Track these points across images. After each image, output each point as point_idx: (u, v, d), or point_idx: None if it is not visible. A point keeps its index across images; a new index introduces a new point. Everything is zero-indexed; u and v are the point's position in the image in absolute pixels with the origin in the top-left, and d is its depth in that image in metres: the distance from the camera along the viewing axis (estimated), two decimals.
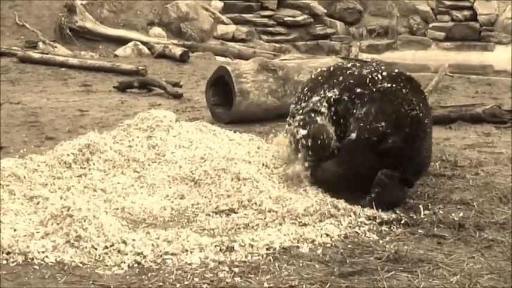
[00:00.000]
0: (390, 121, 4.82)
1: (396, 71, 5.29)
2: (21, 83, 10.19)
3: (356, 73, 5.24)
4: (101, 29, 14.75)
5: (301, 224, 4.42)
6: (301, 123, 5.11)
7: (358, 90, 5.07)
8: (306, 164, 5.03)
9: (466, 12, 17.25)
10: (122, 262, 3.93)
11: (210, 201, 4.85)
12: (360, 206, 4.67)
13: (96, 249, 4.03)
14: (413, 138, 4.84)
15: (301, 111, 5.23)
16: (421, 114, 4.92)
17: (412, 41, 17.13)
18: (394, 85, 5.04)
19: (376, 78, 5.11)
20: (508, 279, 3.74)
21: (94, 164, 5.37)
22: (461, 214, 4.61)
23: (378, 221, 4.51)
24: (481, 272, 3.82)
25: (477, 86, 10.38)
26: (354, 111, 5.00)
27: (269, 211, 4.58)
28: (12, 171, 5.13)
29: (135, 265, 3.92)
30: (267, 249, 4.07)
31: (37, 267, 3.87)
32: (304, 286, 3.68)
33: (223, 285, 3.69)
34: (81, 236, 4.08)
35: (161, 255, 3.99)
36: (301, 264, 3.92)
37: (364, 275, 3.77)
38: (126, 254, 3.99)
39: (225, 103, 7.47)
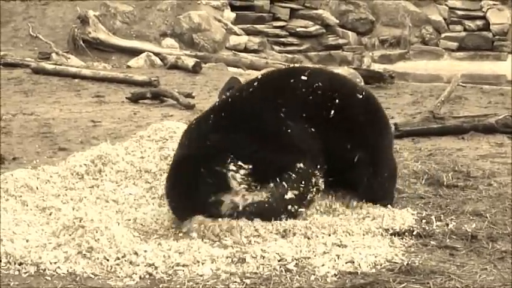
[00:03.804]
0: None
1: None
2: (35, 94, 10.25)
3: None
4: (113, 40, 14.83)
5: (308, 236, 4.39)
6: None
7: None
8: None
9: (479, 22, 17.25)
10: (133, 273, 3.93)
11: None
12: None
13: (108, 260, 4.03)
14: None
15: None
16: None
17: (425, 51, 17.13)
18: None
19: None
20: None
21: (106, 175, 5.39)
22: (473, 225, 4.58)
23: (390, 232, 4.50)
24: (494, 283, 3.79)
25: (490, 96, 10.35)
26: None
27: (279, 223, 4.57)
28: (25, 182, 5.15)
29: (147, 276, 3.92)
30: (279, 260, 4.06)
31: (49, 278, 3.87)
32: None
33: None
34: (93, 247, 4.08)
35: (173, 267, 3.99)
36: (312, 276, 3.90)
37: (375, 286, 3.75)
38: (138, 265, 3.99)
39: None
